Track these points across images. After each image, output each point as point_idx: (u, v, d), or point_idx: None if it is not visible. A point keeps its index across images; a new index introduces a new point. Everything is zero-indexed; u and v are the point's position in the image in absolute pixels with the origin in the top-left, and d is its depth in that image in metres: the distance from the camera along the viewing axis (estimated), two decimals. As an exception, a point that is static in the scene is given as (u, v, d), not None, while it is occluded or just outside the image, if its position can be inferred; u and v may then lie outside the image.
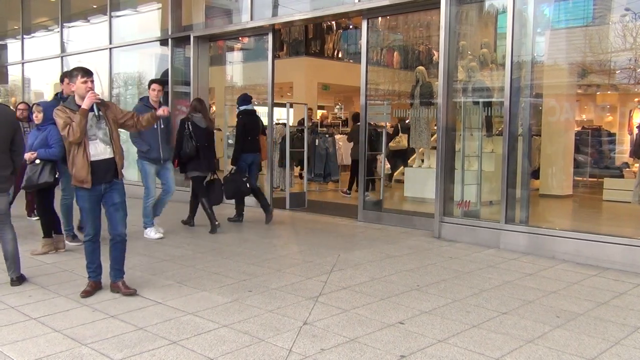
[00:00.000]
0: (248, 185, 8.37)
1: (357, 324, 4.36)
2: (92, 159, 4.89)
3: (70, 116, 4.82)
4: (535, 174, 10.29)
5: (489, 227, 7.22)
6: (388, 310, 4.67)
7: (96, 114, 4.96)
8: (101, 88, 13.56)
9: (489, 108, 8.25)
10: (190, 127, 7.87)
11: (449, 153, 7.79)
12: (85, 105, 4.83)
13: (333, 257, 6.53)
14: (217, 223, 7.94)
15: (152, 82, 7.79)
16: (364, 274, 5.85)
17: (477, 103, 8.18)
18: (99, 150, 4.95)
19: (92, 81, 4.99)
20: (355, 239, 7.69)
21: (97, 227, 5.09)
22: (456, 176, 7.94)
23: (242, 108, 8.65)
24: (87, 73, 4.98)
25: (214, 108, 13.99)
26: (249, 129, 8.57)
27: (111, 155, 5.01)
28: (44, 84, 16.31)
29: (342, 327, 4.30)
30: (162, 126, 7.61)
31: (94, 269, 5.18)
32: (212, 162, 8.18)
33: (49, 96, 16.06)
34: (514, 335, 4.14)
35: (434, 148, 8.61)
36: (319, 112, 19.21)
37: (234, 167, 8.45)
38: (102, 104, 5.05)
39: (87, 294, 5.05)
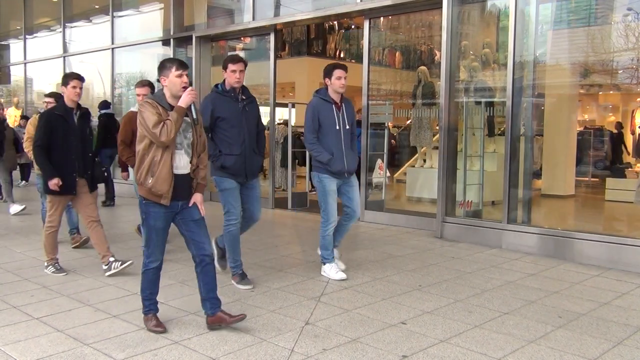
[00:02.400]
0: (105, 175, 9.55)
1: (359, 324, 4.35)
2: (175, 171, 4.07)
3: (161, 113, 4.00)
4: (538, 174, 10.29)
5: (491, 227, 7.22)
6: (390, 310, 4.67)
7: (194, 116, 4.18)
8: (103, 88, 13.58)
9: (491, 108, 8.25)
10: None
11: (451, 153, 7.78)
12: (183, 102, 4.03)
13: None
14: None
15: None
16: (366, 273, 5.85)
17: (479, 103, 8.19)
18: (182, 163, 4.13)
19: (188, 75, 4.16)
20: (357, 239, 7.68)
21: (164, 252, 4.32)
22: (458, 176, 7.94)
23: (102, 111, 10.36)
24: (182, 65, 4.11)
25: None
26: (109, 128, 10.07)
27: (189, 171, 4.19)
28: (46, 84, 16.32)
29: (344, 327, 4.30)
30: (347, 126, 5.60)
31: (155, 299, 4.32)
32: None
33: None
34: (516, 335, 4.14)
35: (436, 148, 8.61)
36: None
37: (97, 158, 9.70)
38: (197, 110, 4.27)
39: (164, 327, 4.20)
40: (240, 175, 5.25)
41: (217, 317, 4.19)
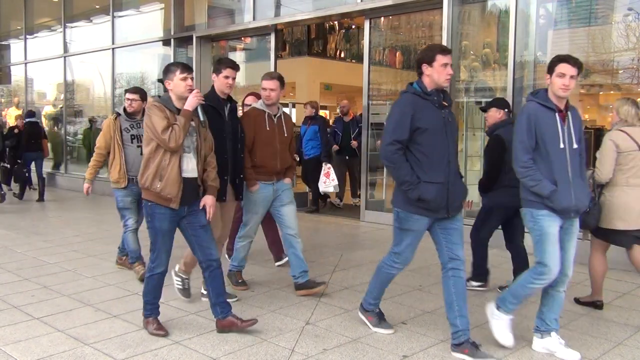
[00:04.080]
0: (27, 175, 11.94)
1: (359, 324, 4.35)
2: (184, 175, 4.04)
3: (169, 116, 3.99)
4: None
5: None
6: (390, 311, 4.67)
7: (202, 119, 4.17)
8: (104, 88, 13.59)
9: (492, 108, 8.23)
10: None
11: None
12: (189, 105, 4.03)
13: (336, 257, 6.52)
14: None
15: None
16: (367, 273, 5.84)
17: (479, 103, 8.18)
18: (190, 166, 4.10)
19: (193, 79, 4.17)
20: (358, 239, 7.68)
21: (169, 256, 4.26)
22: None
23: (27, 120, 11.84)
24: (187, 69, 4.12)
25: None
26: (32, 135, 11.62)
27: (197, 175, 4.16)
28: (47, 84, 16.34)
29: (345, 327, 4.30)
30: (575, 145, 3.88)
31: (158, 304, 4.28)
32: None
33: (52, 97, 16.12)
34: (515, 335, 4.13)
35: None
36: (321, 113, 19.20)
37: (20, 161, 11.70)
38: (204, 112, 4.23)
39: (165, 331, 4.18)
40: (441, 210, 3.96)
41: (227, 322, 4.17)
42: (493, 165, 5.15)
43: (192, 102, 4.04)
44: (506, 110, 5.24)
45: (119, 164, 5.62)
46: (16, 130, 11.74)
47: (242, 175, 4.84)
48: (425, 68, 3.83)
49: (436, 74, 3.80)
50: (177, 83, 4.06)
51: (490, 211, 5.31)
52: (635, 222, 4.63)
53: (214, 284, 4.18)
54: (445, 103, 3.92)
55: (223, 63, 4.75)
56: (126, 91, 5.96)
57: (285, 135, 5.15)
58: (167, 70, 4.12)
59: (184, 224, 4.17)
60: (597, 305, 4.86)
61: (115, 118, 5.72)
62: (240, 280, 5.35)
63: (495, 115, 5.21)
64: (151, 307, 4.22)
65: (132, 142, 5.66)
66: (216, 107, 4.60)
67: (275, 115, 5.11)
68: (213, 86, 4.78)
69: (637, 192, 4.64)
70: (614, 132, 4.75)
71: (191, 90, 4.07)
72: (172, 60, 11.53)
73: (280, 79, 5.11)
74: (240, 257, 5.36)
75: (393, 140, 3.79)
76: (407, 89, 3.93)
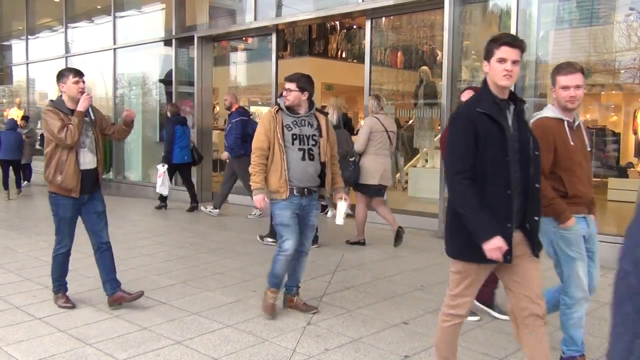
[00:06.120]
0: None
1: (360, 324, 4.35)
2: (81, 167, 4.58)
3: (63, 118, 4.48)
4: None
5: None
6: (392, 311, 4.67)
7: (92, 117, 4.70)
8: (105, 89, 13.59)
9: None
10: None
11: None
12: (81, 107, 4.53)
13: (337, 257, 6.52)
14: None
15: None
16: (368, 273, 5.85)
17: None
18: (87, 159, 4.64)
19: (84, 82, 4.67)
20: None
21: (73, 238, 4.80)
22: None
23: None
24: (78, 73, 4.65)
25: (217, 108, 14.00)
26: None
27: (95, 166, 4.71)
28: (48, 84, 16.34)
29: (346, 327, 4.30)
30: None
31: (65, 281, 4.88)
32: None
33: (54, 98, 16.13)
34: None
35: (437, 148, 8.60)
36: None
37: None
38: (93, 111, 4.80)
39: (72, 304, 4.76)
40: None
41: (117, 297, 4.69)
42: None
43: (84, 104, 4.54)
44: None
45: (280, 168, 4.41)
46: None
47: (536, 217, 3.05)
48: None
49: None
50: (70, 86, 4.58)
51: None
52: (379, 179, 6.85)
53: (105, 263, 4.74)
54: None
55: (499, 40, 3.00)
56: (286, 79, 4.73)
57: (588, 149, 3.76)
58: (61, 75, 4.65)
59: (82, 211, 4.71)
60: (361, 243, 7.11)
61: (277, 111, 4.51)
62: None
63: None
64: (58, 284, 4.81)
65: (293, 144, 4.44)
66: (491, 113, 2.92)
67: (574, 124, 3.64)
68: (485, 81, 3.08)
69: (381, 159, 6.88)
70: (369, 118, 7.00)
71: (82, 93, 4.57)
72: (173, 61, 11.57)
73: (582, 70, 3.63)
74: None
75: None
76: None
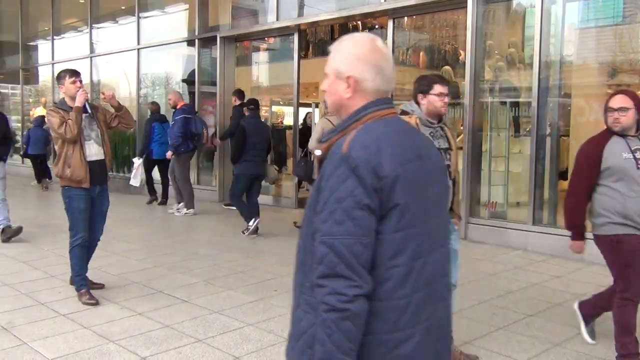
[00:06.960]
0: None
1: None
2: (88, 159, 4.86)
3: (64, 115, 4.79)
4: (564, 175, 10.14)
5: (516, 229, 7.14)
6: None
7: (89, 112, 4.97)
8: (129, 88, 13.73)
9: (517, 108, 8.15)
10: None
11: (476, 154, 7.73)
12: (78, 102, 4.81)
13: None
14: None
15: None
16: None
17: (504, 103, 8.10)
18: (94, 151, 4.93)
19: (81, 81, 4.98)
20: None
21: (87, 231, 4.96)
22: (483, 177, 7.87)
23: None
24: (75, 73, 4.97)
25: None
26: None
27: (103, 157, 5.00)
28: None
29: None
30: None
31: (85, 275, 5.04)
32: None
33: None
34: (540, 338, 4.10)
35: (460, 148, 8.53)
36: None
37: None
38: (91, 106, 5.10)
39: (96, 300, 4.85)
40: None
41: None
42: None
43: (80, 99, 4.82)
44: None
45: None
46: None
47: None
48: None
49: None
50: (68, 86, 4.89)
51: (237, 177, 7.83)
52: None
53: (89, 257, 5.09)
54: None
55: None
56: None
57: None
58: (59, 77, 4.98)
59: (92, 205, 4.95)
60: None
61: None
62: None
63: None
64: (80, 279, 4.93)
65: None
66: None
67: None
68: None
69: None
70: (322, 119, 7.21)
71: (79, 90, 4.84)
72: (196, 61, 11.66)
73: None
74: None
75: None
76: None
